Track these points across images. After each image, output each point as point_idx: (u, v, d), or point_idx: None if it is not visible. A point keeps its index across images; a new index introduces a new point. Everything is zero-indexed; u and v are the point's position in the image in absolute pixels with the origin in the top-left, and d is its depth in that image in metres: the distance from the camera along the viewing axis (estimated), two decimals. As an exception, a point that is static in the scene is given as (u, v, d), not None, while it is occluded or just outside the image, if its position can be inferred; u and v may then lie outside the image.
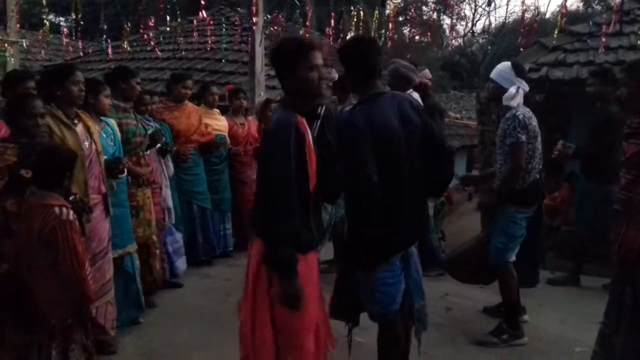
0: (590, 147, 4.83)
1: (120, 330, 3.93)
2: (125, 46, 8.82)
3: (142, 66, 9.84)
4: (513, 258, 3.95)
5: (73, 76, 3.38)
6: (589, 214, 5.02)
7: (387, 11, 8.15)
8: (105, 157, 3.65)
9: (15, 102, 3.09)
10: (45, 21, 8.10)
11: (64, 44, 10.14)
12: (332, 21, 8.21)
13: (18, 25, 8.07)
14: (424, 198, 3.01)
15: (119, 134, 3.94)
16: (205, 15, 8.90)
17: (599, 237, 4.48)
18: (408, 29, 23.63)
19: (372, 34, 8.06)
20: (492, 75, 3.99)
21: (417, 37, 21.65)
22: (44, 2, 9.28)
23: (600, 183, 4.77)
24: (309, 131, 2.42)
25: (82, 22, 9.19)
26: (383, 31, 8.30)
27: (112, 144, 3.82)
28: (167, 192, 4.83)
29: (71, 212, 2.87)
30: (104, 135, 3.73)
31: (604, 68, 5.32)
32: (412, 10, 21.26)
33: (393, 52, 19.52)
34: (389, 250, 2.78)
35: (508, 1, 22.73)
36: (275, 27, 8.34)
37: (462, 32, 26.18)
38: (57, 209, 2.78)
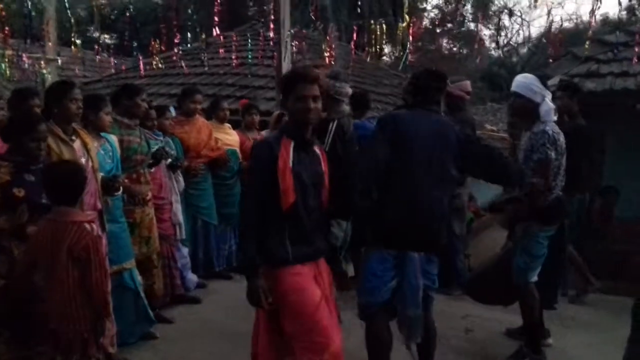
0: None
1: (135, 345, 3.97)
2: (156, 63, 8.99)
3: (175, 82, 10.05)
4: (535, 278, 3.83)
5: (71, 94, 3.41)
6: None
7: (403, 24, 8.02)
8: (102, 173, 3.67)
9: (20, 124, 3.14)
10: (73, 39, 8.32)
11: (97, 60, 10.44)
12: (355, 35, 8.19)
13: (50, 44, 8.32)
14: (444, 216, 3.11)
15: (118, 151, 3.96)
16: (235, 31, 8.96)
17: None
18: (446, 40, 23.47)
19: (398, 46, 7.98)
20: (518, 88, 3.77)
21: (454, 48, 21.47)
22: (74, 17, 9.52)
23: (574, 194, 4.80)
24: (288, 154, 2.61)
25: (124, 39, 9.45)
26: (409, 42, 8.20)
27: (110, 160, 3.83)
28: (178, 207, 4.84)
29: (98, 227, 2.92)
30: (102, 152, 3.75)
31: (571, 82, 5.32)
32: (450, 20, 21.13)
33: (429, 63, 19.43)
34: (385, 241, 2.99)
35: (549, 11, 22.18)
36: (296, 43, 8.32)
37: (501, 43, 25.79)
38: (87, 226, 2.83)
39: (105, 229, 3.62)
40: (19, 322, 2.90)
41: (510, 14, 22.89)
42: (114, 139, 3.97)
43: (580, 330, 4.43)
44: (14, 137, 3.09)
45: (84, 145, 3.53)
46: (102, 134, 3.86)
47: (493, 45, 26.95)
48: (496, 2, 25.38)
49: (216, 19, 6.45)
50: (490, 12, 25.02)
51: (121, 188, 3.81)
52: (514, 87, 3.81)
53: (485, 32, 26.03)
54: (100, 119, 3.77)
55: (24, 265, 2.86)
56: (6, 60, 8.51)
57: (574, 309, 4.88)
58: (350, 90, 4.05)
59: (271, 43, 7.26)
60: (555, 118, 3.70)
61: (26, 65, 9.05)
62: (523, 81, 3.77)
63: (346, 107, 3.89)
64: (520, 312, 3.93)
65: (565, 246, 4.07)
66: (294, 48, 8.30)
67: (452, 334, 4.28)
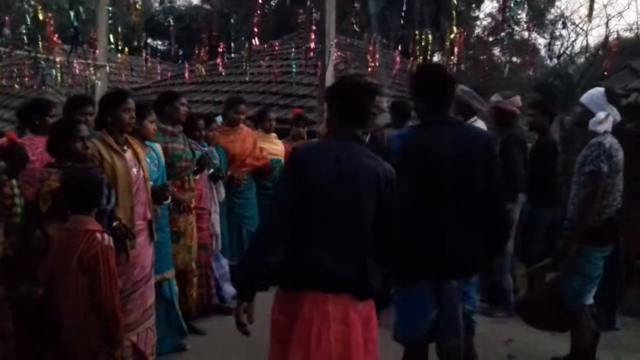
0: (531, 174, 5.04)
1: (165, 357, 3.96)
2: (202, 70, 9.11)
3: (220, 89, 10.17)
4: (590, 300, 3.68)
5: (124, 103, 3.45)
6: (539, 238, 5.07)
7: (452, 34, 7.83)
8: (150, 181, 3.69)
9: (62, 127, 3.22)
10: (112, 45, 8.53)
11: (146, 67, 10.66)
12: (404, 44, 8.05)
13: (100, 51, 8.52)
14: (478, 236, 2.86)
15: (163, 159, 4.00)
16: (280, 40, 8.97)
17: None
18: (499, 50, 22.93)
19: (449, 56, 7.81)
20: (582, 99, 3.83)
21: (506, 58, 20.94)
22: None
23: (547, 206, 5.05)
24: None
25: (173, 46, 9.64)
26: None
27: (156, 169, 3.88)
28: (216, 218, 4.85)
29: (110, 238, 2.90)
30: (148, 160, 3.79)
31: (542, 99, 5.38)
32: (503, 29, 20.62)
33: (481, 73, 19.00)
34: (418, 272, 2.79)
35: (607, 20, 21.31)
36: (340, 53, 8.25)
37: (557, 53, 25.00)
38: (99, 235, 2.83)
39: (153, 239, 3.66)
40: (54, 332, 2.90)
41: (564, 25, 22.16)
42: (158, 147, 4.01)
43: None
44: (59, 143, 3.14)
45: (135, 155, 3.56)
46: (147, 142, 3.89)
47: (548, 55, 26.21)
48: (552, 11, 24.63)
49: (255, 29, 6.44)
50: (546, 21, 24.32)
51: (170, 197, 3.83)
52: (581, 97, 3.89)
53: (540, 41, 25.36)
54: (145, 128, 3.80)
55: (46, 275, 2.87)
56: (58, 66, 8.78)
57: (627, 335, 4.56)
58: (386, 104, 3.97)
59: (311, 54, 7.19)
60: (602, 129, 3.60)
61: (77, 72, 9.30)
62: (590, 93, 3.83)
63: (382, 120, 3.77)
64: (571, 338, 3.72)
65: (621, 266, 3.84)
66: (338, 57, 8.23)
67: (494, 359, 4.08)
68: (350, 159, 2.38)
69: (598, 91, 3.80)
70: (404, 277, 2.80)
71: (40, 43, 8.63)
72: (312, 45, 7.09)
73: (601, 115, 3.60)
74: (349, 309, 2.33)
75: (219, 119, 5.45)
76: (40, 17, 7.54)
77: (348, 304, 2.33)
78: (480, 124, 4.28)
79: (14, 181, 3.58)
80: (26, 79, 10.34)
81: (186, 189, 4.29)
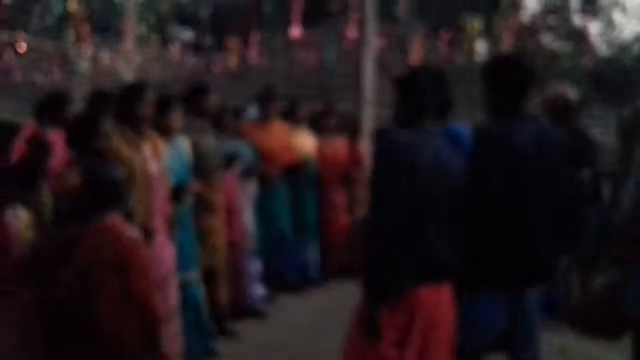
0: None
1: (195, 360, 3.95)
2: (233, 61, 9.14)
3: (252, 81, 10.18)
4: None
5: (142, 97, 3.42)
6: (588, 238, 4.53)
7: (499, 20, 7.65)
8: (173, 178, 3.67)
9: (81, 124, 3.21)
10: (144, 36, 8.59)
11: (176, 59, 10.78)
12: (447, 31, 7.90)
13: (129, 42, 8.61)
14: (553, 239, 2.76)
15: (190, 155, 3.95)
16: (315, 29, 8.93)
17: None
18: (549, 37, 22.46)
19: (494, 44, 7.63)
20: None
21: (557, 45, 20.48)
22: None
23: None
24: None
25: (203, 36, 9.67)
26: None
27: (181, 165, 3.82)
28: (248, 216, 4.81)
29: (137, 232, 2.89)
30: (173, 156, 3.74)
31: None
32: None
33: (530, 61, 18.62)
34: (494, 280, 2.66)
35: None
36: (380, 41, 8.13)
37: (611, 41, 24.34)
38: (127, 231, 2.81)
39: (172, 235, 3.62)
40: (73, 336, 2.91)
41: (623, 9, 21.53)
42: (185, 143, 3.96)
43: None
44: (78, 139, 3.14)
45: (155, 149, 3.52)
46: (173, 137, 3.85)
47: (601, 42, 25.58)
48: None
49: (293, 18, 6.40)
50: (599, 8, 23.71)
51: (191, 195, 3.80)
52: None
53: (593, 29, 24.74)
54: (170, 122, 3.76)
55: (76, 279, 2.87)
56: (85, 57, 8.94)
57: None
58: None
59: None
60: None
61: (105, 63, 9.46)
62: None
63: None
64: (632, 348, 3.58)
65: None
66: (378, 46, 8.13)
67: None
68: (443, 151, 2.39)
69: None
70: (477, 284, 2.72)
71: (69, 34, 8.80)
72: (350, 33, 6.95)
73: None
74: (450, 294, 2.46)
75: (252, 113, 5.41)
76: (74, 6, 7.65)
77: (448, 289, 2.45)
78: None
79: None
80: (53, 70, 10.55)
81: (215, 186, 4.22)
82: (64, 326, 2.89)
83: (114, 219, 2.82)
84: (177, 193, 3.65)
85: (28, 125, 3.72)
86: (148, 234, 3.19)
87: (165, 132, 3.71)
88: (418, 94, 2.44)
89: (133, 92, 3.48)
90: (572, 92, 4.80)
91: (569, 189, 2.82)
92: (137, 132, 3.43)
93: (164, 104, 3.67)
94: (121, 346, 2.76)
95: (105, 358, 2.79)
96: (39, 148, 3.41)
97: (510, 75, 2.77)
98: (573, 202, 2.92)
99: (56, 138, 3.67)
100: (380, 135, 2.43)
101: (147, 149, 3.45)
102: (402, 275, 2.30)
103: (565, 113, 4.75)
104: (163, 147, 3.61)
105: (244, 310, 4.80)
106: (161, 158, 3.52)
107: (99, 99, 3.99)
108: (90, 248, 2.77)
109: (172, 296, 3.58)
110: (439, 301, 2.40)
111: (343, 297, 5.45)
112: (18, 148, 3.51)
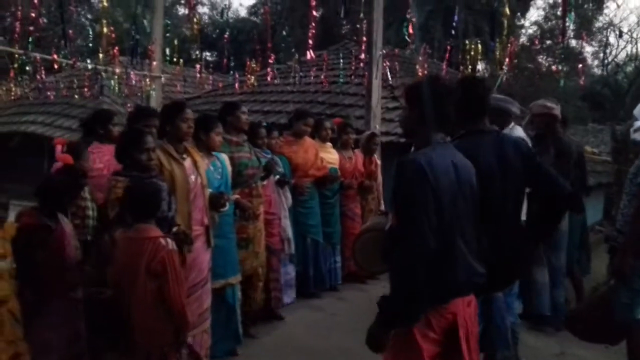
0: None
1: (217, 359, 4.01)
2: (252, 81, 9.25)
3: (268, 99, 10.30)
4: None
5: (183, 114, 3.55)
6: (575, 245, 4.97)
7: (499, 43, 7.70)
8: (210, 190, 3.77)
9: (129, 138, 3.31)
10: (167, 57, 8.74)
11: (198, 78, 10.91)
12: (449, 53, 7.97)
13: (155, 63, 8.76)
14: (518, 244, 2.72)
15: (229, 168, 4.06)
16: (327, 50, 9.04)
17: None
18: (544, 58, 22.45)
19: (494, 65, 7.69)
20: (635, 112, 3.75)
21: (553, 66, 20.45)
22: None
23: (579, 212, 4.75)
24: None
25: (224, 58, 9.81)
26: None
27: (219, 177, 3.94)
28: (286, 223, 4.94)
29: (173, 242, 2.98)
30: (212, 169, 3.86)
31: None
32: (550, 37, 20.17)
33: (526, 82, 18.64)
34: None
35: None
36: (387, 63, 8.24)
37: (605, 61, 24.34)
38: (162, 240, 2.92)
39: (210, 244, 3.74)
40: (119, 333, 3.00)
41: (620, 34, 21.49)
42: (224, 157, 4.08)
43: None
44: (126, 153, 3.25)
45: (194, 163, 3.65)
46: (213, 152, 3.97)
47: (596, 63, 25.54)
48: (600, 19, 23.99)
49: (310, 41, 6.49)
50: (594, 29, 23.70)
51: (227, 204, 3.88)
52: (634, 111, 3.79)
53: (588, 49, 24.73)
54: (211, 139, 3.89)
55: (112, 282, 2.97)
56: (115, 77, 9.08)
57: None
58: None
59: (361, 64, 7.21)
60: None
61: (133, 82, 9.59)
62: None
63: None
64: (627, 353, 3.59)
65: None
66: (386, 67, 8.23)
67: (545, 373, 3.99)
68: (461, 163, 2.31)
69: None
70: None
71: (100, 55, 8.95)
72: (362, 55, 7.06)
73: (638, 123, 3.55)
74: (475, 303, 2.38)
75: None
76: (105, 30, 7.81)
77: (473, 298, 2.37)
78: (519, 131, 4.13)
79: (85, 187, 3.74)
80: (85, 89, 10.69)
81: (254, 195, 4.35)
82: (106, 322, 2.98)
83: (152, 228, 2.92)
84: (214, 201, 3.74)
85: (60, 138, 3.81)
86: (188, 241, 3.28)
87: (207, 148, 3.87)
88: (429, 104, 2.30)
89: (176, 109, 3.61)
90: (556, 106, 4.83)
91: (546, 171, 2.78)
92: (178, 146, 3.57)
93: (206, 124, 3.81)
94: (152, 339, 2.88)
95: (138, 349, 2.89)
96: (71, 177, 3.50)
97: (467, 92, 2.68)
98: (551, 176, 2.80)
99: (102, 151, 3.82)
100: (401, 164, 2.26)
101: (187, 163, 3.59)
102: (434, 294, 2.19)
103: (550, 124, 4.77)
104: (202, 161, 3.73)
105: (267, 313, 4.86)
106: (201, 171, 3.65)
107: (139, 115, 4.09)
108: (130, 253, 2.88)
109: (206, 300, 3.70)
110: (470, 311, 2.34)
111: (353, 300, 5.54)
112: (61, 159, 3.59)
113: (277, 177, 4.79)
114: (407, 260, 2.13)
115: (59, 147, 3.81)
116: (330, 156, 5.75)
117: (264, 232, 4.56)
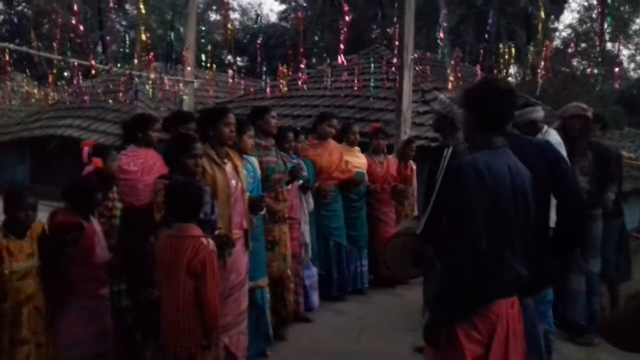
0: None
1: (248, 361, 4.05)
2: (283, 85, 9.32)
3: (298, 103, 10.35)
4: None
5: (225, 118, 3.57)
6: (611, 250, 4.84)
7: (533, 47, 7.58)
8: (247, 194, 3.80)
9: (179, 143, 3.33)
10: (202, 63, 8.85)
11: (230, 83, 11.03)
12: (482, 57, 7.89)
13: (189, 68, 8.89)
14: (542, 251, 2.66)
15: (259, 171, 4.10)
16: (358, 54, 9.05)
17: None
18: (579, 61, 22.05)
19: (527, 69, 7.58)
20: None
21: (588, 70, 20.06)
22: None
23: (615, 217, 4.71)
24: None
25: (255, 63, 9.90)
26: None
27: (252, 180, 3.96)
28: (306, 228, 4.93)
29: (214, 243, 3.02)
30: (244, 172, 3.87)
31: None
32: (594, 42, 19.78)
33: (560, 85, 18.32)
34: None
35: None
36: (419, 67, 8.20)
37: (642, 63, 23.75)
38: (204, 240, 2.94)
39: (249, 247, 3.78)
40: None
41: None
42: (254, 159, 4.12)
43: None
44: (174, 157, 3.28)
45: (235, 167, 3.68)
46: (244, 155, 4.00)
47: (632, 66, 24.95)
48: (637, 21, 23.44)
49: (342, 46, 6.52)
50: (630, 31, 23.17)
51: (265, 207, 3.93)
52: None
53: (624, 52, 24.16)
54: (243, 142, 3.92)
55: (154, 279, 3.02)
56: (150, 82, 9.25)
57: None
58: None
59: (393, 69, 7.19)
60: None
61: (167, 87, 9.76)
62: None
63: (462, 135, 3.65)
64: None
65: None
66: (417, 71, 8.20)
67: (580, 382, 3.91)
68: (515, 168, 2.29)
69: None
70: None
71: (135, 61, 9.14)
72: (394, 59, 7.04)
73: None
74: (519, 304, 2.38)
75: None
76: (143, 37, 7.98)
77: (517, 299, 2.38)
78: (553, 134, 4.03)
79: (114, 187, 3.83)
80: (120, 93, 10.92)
81: (280, 199, 4.39)
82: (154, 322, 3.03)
83: (193, 229, 2.96)
84: (253, 205, 3.78)
85: (88, 141, 3.92)
86: (229, 243, 3.33)
87: (238, 151, 3.89)
88: (491, 105, 2.30)
89: (218, 113, 3.64)
90: (589, 109, 4.68)
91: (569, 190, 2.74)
92: (219, 151, 3.60)
93: (239, 127, 3.82)
94: (181, 339, 2.91)
95: (167, 349, 2.94)
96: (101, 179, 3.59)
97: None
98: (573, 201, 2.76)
99: (138, 154, 3.88)
100: (459, 166, 2.26)
101: (228, 167, 3.63)
102: (480, 295, 2.21)
103: (585, 127, 4.64)
104: (241, 165, 3.76)
105: (296, 316, 4.89)
106: (241, 176, 3.69)
107: (177, 119, 4.17)
108: (171, 251, 2.92)
109: (244, 300, 3.74)
110: (514, 312, 2.33)
111: (382, 304, 5.52)
112: (94, 162, 3.69)
113: (301, 182, 4.80)
114: (458, 260, 2.15)
115: (85, 149, 3.91)
116: (358, 160, 5.74)
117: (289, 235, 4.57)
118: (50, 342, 3.12)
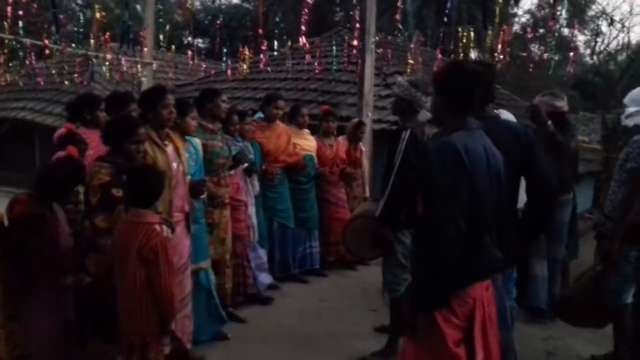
0: None
1: (208, 344, 4.04)
2: (244, 68, 9.21)
3: (260, 86, 10.26)
4: (630, 299, 3.54)
5: (164, 100, 3.51)
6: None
7: (491, 31, 7.70)
8: (189, 176, 3.75)
9: (121, 127, 3.25)
10: (160, 44, 8.67)
11: (190, 65, 10.84)
12: (442, 41, 7.97)
13: (147, 49, 8.70)
14: (512, 232, 2.66)
15: (201, 154, 4.04)
16: (320, 37, 9.00)
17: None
18: (537, 46, 22.48)
19: (486, 53, 7.70)
20: (625, 100, 3.75)
21: (545, 55, 20.49)
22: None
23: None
24: None
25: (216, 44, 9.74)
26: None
27: (194, 163, 3.91)
28: (252, 210, 4.92)
29: (168, 229, 2.97)
30: (187, 155, 3.82)
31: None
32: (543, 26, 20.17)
33: (518, 70, 18.65)
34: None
35: (652, 16, 20.70)
36: (381, 50, 8.22)
37: (597, 50, 24.38)
38: (157, 227, 2.89)
39: (190, 231, 3.73)
40: (101, 320, 3.00)
41: (611, 22, 21.50)
42: (197, 142, 4.05)
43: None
44: (114, 140, 3.20)
45: (176, 150, 3.63)
46: (187, 137, 3.94)
47: (588, 52, 25.59)
48: (593, 7, 24.00)
49: (303, 28, 6.45)
50: (587, 17, 23.72)
51: (205, 191, 3.88)
52: (624, 99, 3.78)
53: (580, 38, 24.74)
54: (186, 124, 3.85)
55: (106, 265, 2.96)
56: (107, 63, 9.00)
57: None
58: (429, 105, 3.85)
59: (354, 51, 7.18)
60: (631, 123, 3.56)
61: (124, 69, 9.52)
62: (633, 92, 3.77)
63: (422, 117, 3.67)
64: (613, 336, 3.64)
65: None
66: (378, 54, 8.22)
67: (532, 355, 4.04)
68: (490, 150, 2.30)
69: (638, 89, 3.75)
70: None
71: (91, 41, 8.87)
72: (356, 42, 7.03)
73: (631, 109, 3.55)
74: (491, 287, 2.41)
75: (259, 114, 5.51)
76: (97, 15, 7.72)
77: (489, 282, 2.41)
78: (509, 115, 4.06)
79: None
80: (76, 75, 10.59)
81: (222, 184, 4.33)
82: (92, 309, 2.99)
83: (147, 214, 2.91)
84: (194, 188, 3.74)
85: (64, 126, 3.78)
86: (170, 228, 3.28)
87: (181, 133, 3.82)
88: (462, 88, 2.30)
89: (156, 95, 3.56)
90: (563, 99, 4.73)
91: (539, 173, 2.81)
92: (160, 133, 3.53)
93: (181, 108, 3.75)
94: (136, 328, 2.87)
95: (122, 337, 2.90)
96: (80, 147, 3.49)
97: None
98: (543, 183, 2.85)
99: (89, 137, 3.76)
100: (438, 147, 2.25)
101: (169, 149, 3.56)
102: (459, 279, 2.21)
103: (559, 122, 4.69)
104: (183, 147, 3.69)
105: (252, 297, 4.92)
106: (182, 158, 3.63)
107: (118, 101, 4.07)
108: (124, 237, 2.86)
109: (188, 284, 3.70)
110: (489, 295, 2.35)
111: (343, 285, 5.59)
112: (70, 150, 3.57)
113: (246, 165, 4.77)
114: (437, 243, 2.14)
115: (60, 133, 3.78)
116: (307, 143, 5.72)
117: (230, 219, 4.53)
118: (15, 333, 3.02)
